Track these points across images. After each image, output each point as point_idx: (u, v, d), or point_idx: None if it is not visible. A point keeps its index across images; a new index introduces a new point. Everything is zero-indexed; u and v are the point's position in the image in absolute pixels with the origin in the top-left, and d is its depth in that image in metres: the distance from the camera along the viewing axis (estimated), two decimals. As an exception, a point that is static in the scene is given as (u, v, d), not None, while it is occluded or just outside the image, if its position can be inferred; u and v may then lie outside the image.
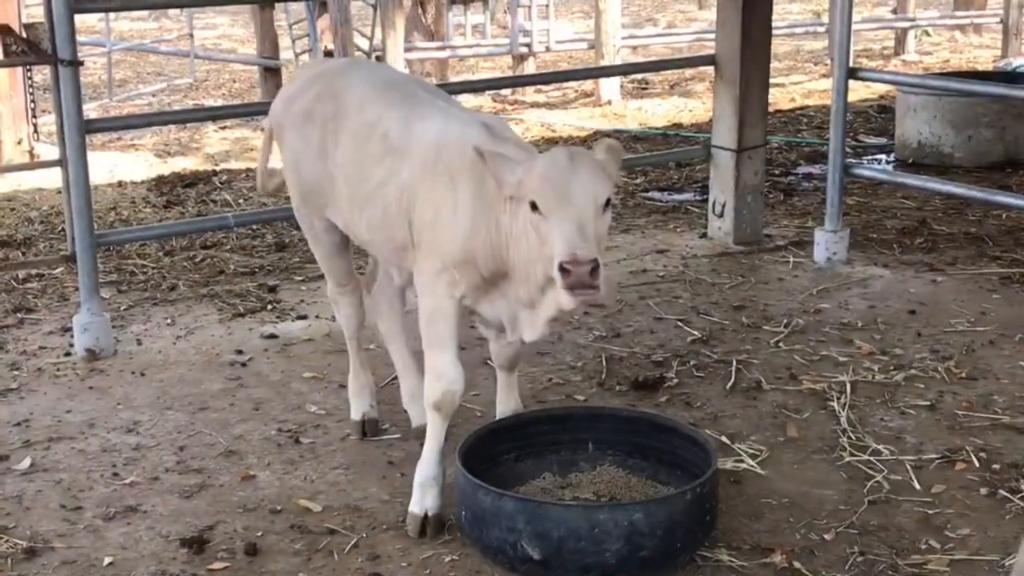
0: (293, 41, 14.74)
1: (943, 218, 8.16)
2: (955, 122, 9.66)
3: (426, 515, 4.13)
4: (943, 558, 3.97)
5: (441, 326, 4.10)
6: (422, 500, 4.15)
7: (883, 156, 10.37)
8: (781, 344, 5.86)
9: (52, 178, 9.22)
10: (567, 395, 5.32)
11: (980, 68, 15.38)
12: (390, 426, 5.00)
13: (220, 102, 15.62)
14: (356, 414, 4.96)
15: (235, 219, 6.97)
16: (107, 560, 4.02)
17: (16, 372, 5.68)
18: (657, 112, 13.24)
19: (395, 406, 5.15)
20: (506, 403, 4.58)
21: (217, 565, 3.97)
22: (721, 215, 7.63)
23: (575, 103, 14.19)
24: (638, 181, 9.50)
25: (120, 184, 9.88)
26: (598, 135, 11.72)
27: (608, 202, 3.70)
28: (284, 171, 4.84)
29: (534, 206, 3.65)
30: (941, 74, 12.88)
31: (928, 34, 18.85)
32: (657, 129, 12.04)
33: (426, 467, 4.18)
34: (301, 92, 4.69)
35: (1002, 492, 4.39)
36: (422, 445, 4.24)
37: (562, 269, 3.51)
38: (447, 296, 4.06)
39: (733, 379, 5.44)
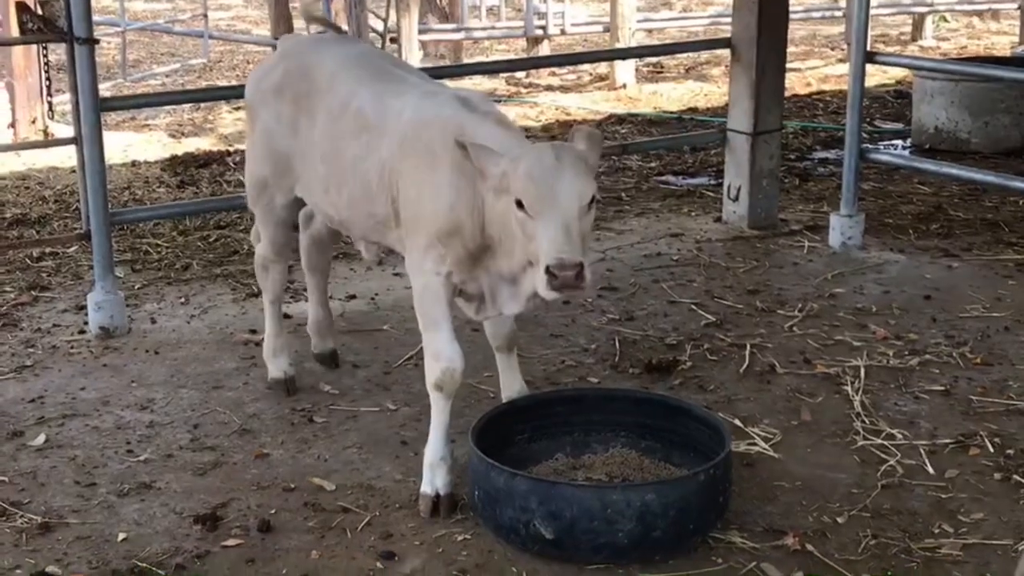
0: (308, 24, 14.71)
1: (959, 204, 8.13)
2: (972, 108, 9.61)
3: (437, 495, 4.14)
4: (956, 542, 3.96)
5: (432, 305, 4.13)
6: (432, 481, 4.16)
7: (899, 141, 10.33)
8: (795, 328, 5.85)
9: (66, 157, 9.25)
10: (580, 377, 5.32)
11: (998, 54, 15.29)
12: (403, 406, 5.01)
13: (234, 83, 15.61)
14: (278, 372, 5.14)
15: (249, 199, 6.96)
16: (121, 536, 4.03)
17: (31, 349, 5.70)
18: (672, 96, 13.20)
19: (409, 386, 5.16)
20: (511, 386, 4.59)
21: (231, 542, 3.99)
22: (736, 199, 7.61)
23: (589, 86, 14.15)
24: (653, 165, 9.48)
25: (134, 164, 9.90)
26: (612, 119, 11.70)
27: (592, 200, 3.71)
28: (251, 149, 4.93)
29: (520, 204, 3.67)
30: (959, 59, 12.82)
31: (946, 20, 18.75)
32: (672, 113, 12.01)
33: (434, 448, 4.19)
34: (271, 70, 4.78)
35: (1016, 477, 4.38)
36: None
37: (548, 272, 3.57)
38: (433, 273, 4.10)
39: (747, 363, 5.43)
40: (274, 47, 15.23)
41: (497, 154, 3.79)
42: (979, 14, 19.30)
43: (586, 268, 3.59)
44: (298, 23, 15.44)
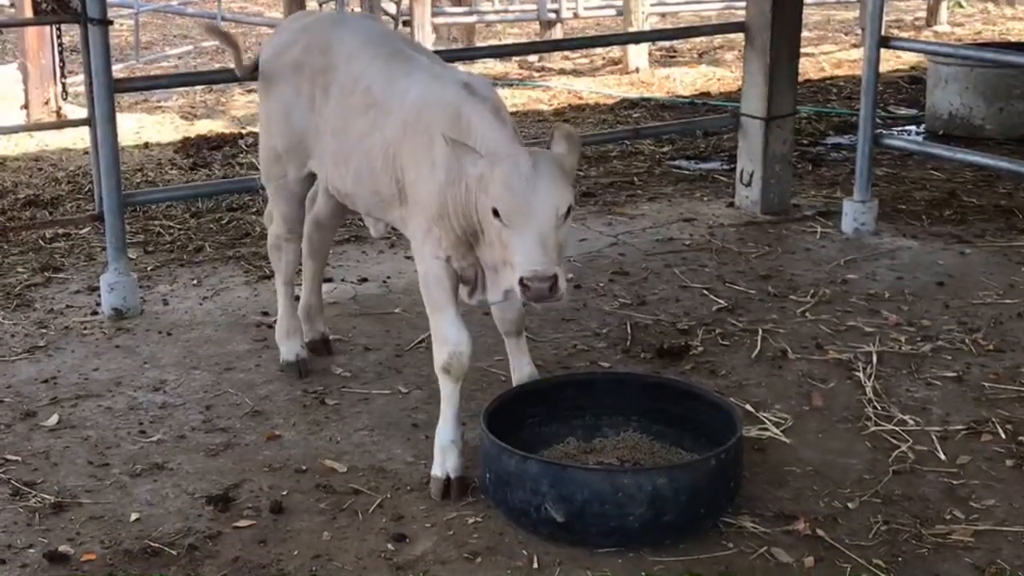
0: (320, 5, 14.71)
1: (973, 190, 8.10)
2: (987, 93, 9.57)
3: (448, 478, 4.15)
4: (967, 528, 3.96)
5: (435, 290, 4.14)
6: (443, 463, 4.17)
7: (913, 127, 10.29)
8: (807, 314, 5.84)
9: (79, 138, 9.27)
10: (592, 361, 5.31)
11: (1013, 40, 15.21)
12: (414, 388, 5.02)
13: (247, 65, 15.58)
14: (290, 355, 5.14)
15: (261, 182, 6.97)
16: (134, 516, 4.05)
17: (43, 330, 5.72)
18: (685, 80, 13.15)
19: (420, 369, 5.17)
20: (520, 370, 4.60)
21: (242, 523, 4.00)
22: (749, 184, 7.59)
23: (602, 70, 14.11)
24: (665, 149, 9.46)
25: (146, 146, 9.91)
26: (625, 103, 11.68)
27: (569, 210, 3.71)
28: (265, 123, 4.89)
29: (495, 212, 3.68)
30: (973, 45, 12.75)
31: (961, 5, 18.65)
32: (685, 97, 11.97)
33: (444, 431, 4.20)
34: (290, 44, 4.76)
35: (1028, 464, 4.38)
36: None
37: (522, 283, 3.58)
38: (433, 257, 4.11)
39: (758, 348, 5.42)
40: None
41: (476, 154, 3.78)
42: (994, -1, 19.21)
43: (560, 279, 3.60)
44: (310, 4, 15.41)
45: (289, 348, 5.17)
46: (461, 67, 4.94)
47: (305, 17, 5.08)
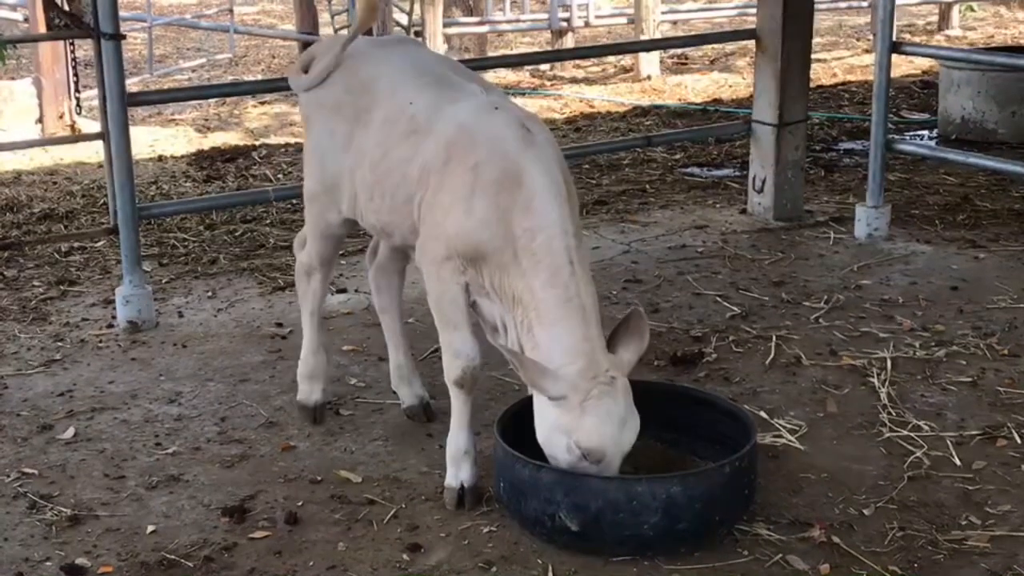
0: (332, 17, 14.77)
1: (986, 194, 8.09)
2: (999, 98, 9.56)
3: (462, 487, 4.16)
4: (983, 534, 3.95)
5: (450, 308, 4.11)
6: (457, 473, 4.18)
7: (925, 132, 10.28)
8: (821, 320, 5.83)
9: (94, 152, 9.32)
10: (605, 369, 5.31)
11: (1025, 43, 15.17)
12: (428, 398, 5.01)
13: (259, 77, 15.66)
14: (307, 399, 4.88)
15: (275, 193, 7.00)
16: (150, 528, 4.07)
17: (59, 343, 5.74)
18: (697, 87, 13.16)
19: (434, 378, 5.15)
20: None
21: (258, 534, 4.02)
22: (761, 191, 7.59)
23: (614, 78, 14.13)
24: (677, 156, 9.46)
25: (161, 158, 9.95)
26: (637, 110, 11.68)
27: None
28: (308, 159, 4.73)
29: (579, 445, 3.76)
30: (985, 49, 12.73)
31: (973, 9, 18.61)
32: (697, 104, 11.98)
33: (456, 441, 4.20)
34: (329, 83, 4.58)
35: (1044, 469, 4.37)
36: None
37: None
38: (452, 281, 4.07)
39: (772, 354, 5.42)
40: (300, 42, 14.90)
41: (555, 378, 3.76)
42: (1006, 3, 19.15)
43: None
44: (323, 17, 15.48)
45: (308, 390, 4.89)
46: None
47: (337, 44, 4.70)
